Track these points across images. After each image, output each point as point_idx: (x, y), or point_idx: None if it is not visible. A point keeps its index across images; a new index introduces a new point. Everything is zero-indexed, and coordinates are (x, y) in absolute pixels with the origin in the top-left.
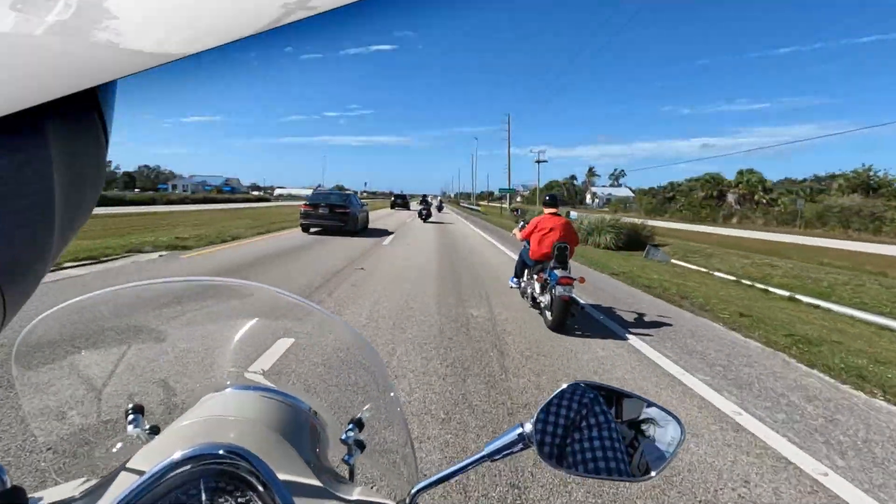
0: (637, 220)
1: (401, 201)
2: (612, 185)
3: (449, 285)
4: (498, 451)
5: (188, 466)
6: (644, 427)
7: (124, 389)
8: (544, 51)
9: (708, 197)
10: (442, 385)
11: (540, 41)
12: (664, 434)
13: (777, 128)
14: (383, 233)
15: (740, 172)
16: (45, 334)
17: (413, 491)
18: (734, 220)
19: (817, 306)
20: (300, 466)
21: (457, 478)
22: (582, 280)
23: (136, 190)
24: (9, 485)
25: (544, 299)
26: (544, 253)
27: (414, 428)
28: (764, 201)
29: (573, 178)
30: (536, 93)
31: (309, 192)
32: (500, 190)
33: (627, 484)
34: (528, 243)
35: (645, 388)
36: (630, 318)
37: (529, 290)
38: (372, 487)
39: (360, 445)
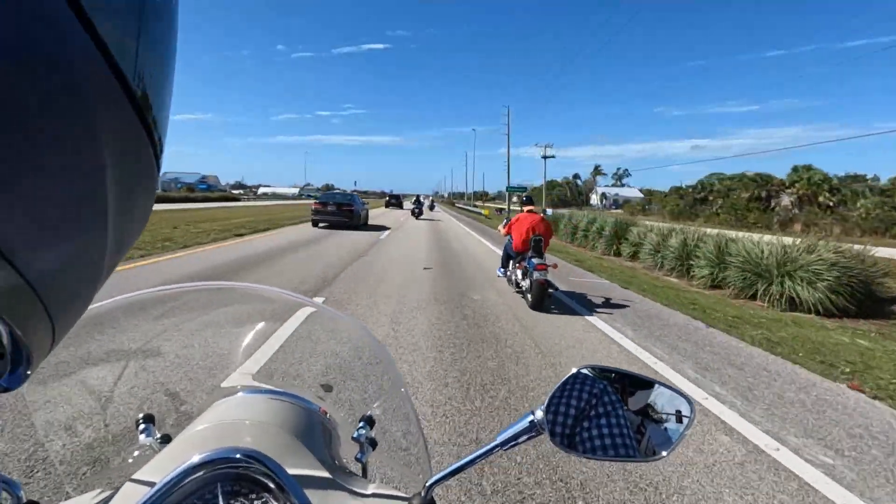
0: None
1: (394, 201)
2: (615, 185)
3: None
4: (511, 439)
5: (204, 472)
6: (653, 408)
7: (133, 400)
8: (539, 51)
9: (753, 198)
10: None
11: (536, 42)
12: (673, 413)
13: (766, 129)
14: (381, 228)
15: (795, 169)
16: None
17: (428, 484)
18: (796, 226)
19: None
20: (315, 466)
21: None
22: (555, 266)
23: None
24: (24, 500)
25: (525, 284)
26: (523, 243)
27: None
28: (831, 204)
29: (576, 176)
30: (535, 93)
31: (294, 191)
32: (508, 189)
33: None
34: (512, 237)
35: None
36: None
37: (514, 278)
38: (386, 483)
39: (373, 443)
